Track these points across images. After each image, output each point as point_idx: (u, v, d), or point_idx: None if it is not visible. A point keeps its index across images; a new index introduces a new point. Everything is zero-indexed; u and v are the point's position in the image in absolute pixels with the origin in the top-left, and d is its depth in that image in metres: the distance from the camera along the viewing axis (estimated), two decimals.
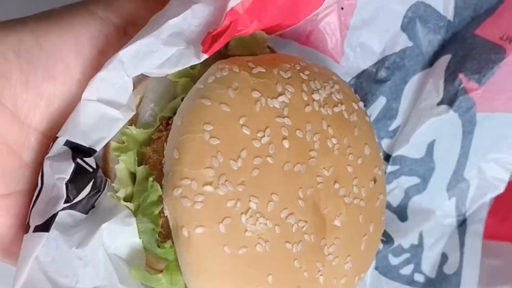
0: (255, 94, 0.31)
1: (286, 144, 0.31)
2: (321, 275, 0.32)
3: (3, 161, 0.30)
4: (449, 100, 0.44)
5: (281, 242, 0.31)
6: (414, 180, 0.46)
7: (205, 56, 0.32)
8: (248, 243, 0.30)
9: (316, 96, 0.33)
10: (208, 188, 0.29)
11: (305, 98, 0.33)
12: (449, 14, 0.43)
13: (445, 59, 0.44)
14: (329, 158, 0.33)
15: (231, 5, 0.31)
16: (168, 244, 0.31)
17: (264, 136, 0.30)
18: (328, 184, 0.33)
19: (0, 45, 0.30)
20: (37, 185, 0.30)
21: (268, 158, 0.30)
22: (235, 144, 0.30)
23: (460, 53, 0.44)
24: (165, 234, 0.31)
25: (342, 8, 0.41)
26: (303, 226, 0.31)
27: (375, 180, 0.37)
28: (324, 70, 0.36)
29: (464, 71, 0.43)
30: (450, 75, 0.43)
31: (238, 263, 0.30)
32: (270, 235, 0.30)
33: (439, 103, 0.44)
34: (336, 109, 0.34)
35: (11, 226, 0.31)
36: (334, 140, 0.34)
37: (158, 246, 0.31)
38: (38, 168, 0.31)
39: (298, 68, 0.34)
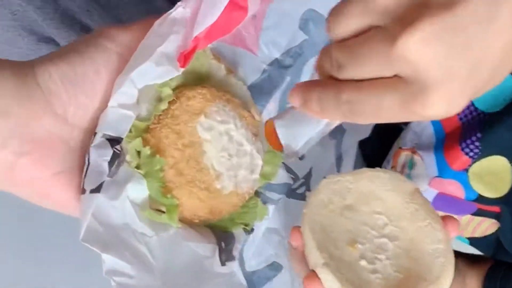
0: None
1: None
2: None
3: (60, 149, 0.43)
4: None
5: None
6: None
7: (182, 70, 0.45)
8: None
9: None
10: None
11: None
12: None
13: None
14: None
15: (194, 34, 0.44)
16: (169, 195, 0.47)
17: None
18: None
19: (52, 74, 0.42)
20: (84, 163, 0.43)
21: None
22: None
23: None
24: (164, 189, 0.47)
25: (253, 16, 0.54)
26: None
27: None
28: None
29: None
30: None
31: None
32: None
33: None
34: None
35: (67, 190, 0.44)
36: None
37: (163, 196, 0.47)
38: (82, 153, 0.44)
39: None
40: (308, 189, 0.62)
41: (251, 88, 0.57)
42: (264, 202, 0.58)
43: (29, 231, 1.05)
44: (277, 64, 0.58)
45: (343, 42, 0.37)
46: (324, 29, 0.54)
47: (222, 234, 0.53)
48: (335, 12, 0.37)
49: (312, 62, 0.59)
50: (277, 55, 0.57)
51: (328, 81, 0.38)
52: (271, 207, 0.58)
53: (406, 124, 0.76)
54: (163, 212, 0.48)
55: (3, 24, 0.61)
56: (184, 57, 0.45)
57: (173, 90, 0.48)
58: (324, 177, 0.50)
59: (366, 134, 0.65)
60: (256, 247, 0.58)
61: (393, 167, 0.70)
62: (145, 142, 0.48)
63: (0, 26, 0.61)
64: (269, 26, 0.56)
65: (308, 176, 0.62)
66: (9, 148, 0.41)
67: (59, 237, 1.06)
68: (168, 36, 0.45)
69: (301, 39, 0.57)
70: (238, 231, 0.55)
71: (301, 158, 0.61)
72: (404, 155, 0.69)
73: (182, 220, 0.50)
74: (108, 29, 0.47)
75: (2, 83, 0.41)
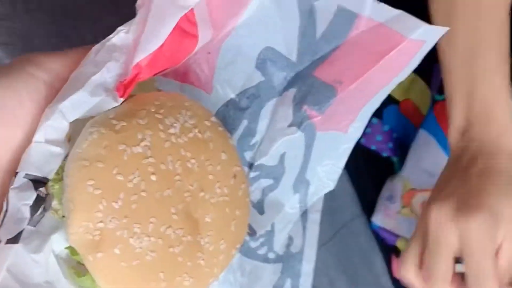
0: (121, 147, 0.41)
1: (153, 178, 0.41)
2: (202, 259, 0.44)
3: None
4: (297, 123, 0.55)
5: (165, 249, 0.41)
6: (269, 181, 0.57)
7: (121, 100, 0.42)
8: (139, 256, 0.40)
9: (172, 130, 0.43)
10: (101, 225, 0.40)
11: (163, 136, 0.42)
12: (293, 57, 0.54)
13: (292, 92, 0.55)
14: (191, 175, 0.43)
15: (136, 61, 0.42)
16: None
17: (135, 177, 0.41)
18: (195, 195, 0.43)
19: None
20: (1, 210, 0.39)
21: (142, 193, 0.41)
22: (113, 189, 0.40)
23: (303, 89, 0.54)
24: None
25: (208, 53, 0.52)
26: (180, 232, 0.42)
27: (235, 176, 0.46)
28: (176, 100, 0.46)
29: (308, 103, 0.54)
30: (297, 105, 0.55)
31: (134, 271, 0.41)
32: (155, 246, 0.41)
33: (290, 125, 0.55)
34: (190, 134, 0.44)
35: None
36: (193, 161, 0.43)
37: None
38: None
39: (153, 110, 0.43)
40: (271, 250, 0.57)
41: None
42: None
43: None
44: (232, 105, 0.55)
45: None
46: (282, 70, 0.54)
47: None
48: None
49: (270, 106, 0.56)
50: (232, 95, 0.55)
51: None
52: None
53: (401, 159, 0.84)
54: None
55: None
56: (124, 87, 0.42)
57: None
58: None
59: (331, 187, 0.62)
60: None
61: (406, 207, 0.81)
62: None
63: None
64: (224, 64, 0.53)
65: (270, 234, 0.58)
66: None
67: None
68: (105, 64, 0.42)
69: (258, 80, 0.55)
70: None
71: (261, 212, 0.58)
72: (421, 196, 0.78)
73: None
74: (36, 55, 0.43)
75: None
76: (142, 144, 0.41)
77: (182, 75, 0.52)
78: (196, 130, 0.44)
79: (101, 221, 0.40)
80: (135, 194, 0.40)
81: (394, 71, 0.54)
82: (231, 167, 0.46)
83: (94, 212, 0.40)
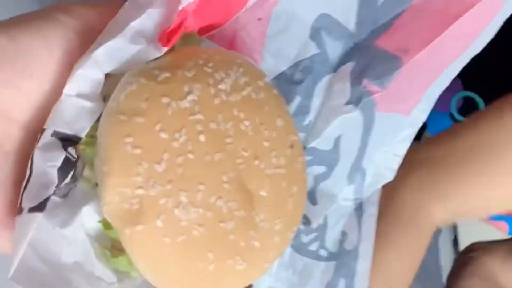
0: (165, 100, 0.35)
1: (202, 138, 0.35)
2: (256, 240, 0.37)
3: None
4: (356, 100, 0.49)
5: (215, 223, 0.35)
6: (322, 169, 0.51)
7: (165, 49, 0.37)
8: (184, 231, 0.34)
9: (222, 86, 0.37)
10: (140, 191, 0.34)
11: (213, 91, 0.36)
12: (351, 26, 0.49)
13: (349, 65, 0.50)
14: (244, 139, 0.37)
15: (181, 6, 0.37)
16: None
17: (181, 135, 0.35)
18: (249, 163, 0.37)
19: None
20: (25, 173, 0.34)
21: (189, 154, 0.35)
22: (156, 149, 0.34)
23: (363, 61, 0.49)
24: None
25: (259, 19, 0.47)
26: (232, 205, 0.36)
27: (292, 146, 0.40)
28: (227, 55, 0.40)
29: (368, 77, 0.49)
30: (355, 80, 0.49)
31: (179, 249, 0.34)
32: (204, 220, 0.35)
33: (347, 103, 0.49)
34: (243, 93, 0.38)
35: None
36: (246, 123, 0.37)
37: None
38: (21, 158, 0.35)
39: (201, 62, 0.37)
40: (323, 247, 0.52)
41: None
42: None
43: None
44: (284, 78, 0.49)
45: None
46: (338, 40, 0.49)
47: None
48: None
49: (324, 82, 0.51)
50: (284, 67, 0.49)
51: None
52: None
53: None
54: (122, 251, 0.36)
55: None
56: (168, 35, 0.37)
57: None
58: None
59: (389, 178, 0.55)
60: None
61: None
62: None
63: None
64: (275, 32, 0.48)
65: (323, 228, 0.52)
66: None
67: None
68: (146, 10, 0.37)
69: (312, 52, 0.50)
70: None
71: (314, 203, 0.52)
72: None
73: None
74: (68, 3, 0.38)
75: None
76: (189, 98, 0.35)
77: (229, 42, 0.47)
78: (250, 89, 0.38)
79: (140, 187, 0.34)
80: (181, 156, 0.34)
81: (467, 40, 0.47)
82: (288, 135, 0.40)
83: (133, 176, 0.34)
